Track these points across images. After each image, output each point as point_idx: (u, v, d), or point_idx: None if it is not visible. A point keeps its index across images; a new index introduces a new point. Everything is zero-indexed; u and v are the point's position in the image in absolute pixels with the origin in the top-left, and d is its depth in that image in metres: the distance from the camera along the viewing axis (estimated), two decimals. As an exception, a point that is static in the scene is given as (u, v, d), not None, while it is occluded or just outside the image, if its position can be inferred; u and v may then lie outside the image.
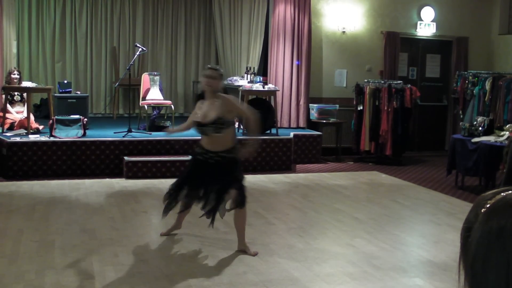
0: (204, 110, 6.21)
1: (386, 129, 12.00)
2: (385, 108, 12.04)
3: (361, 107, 12.32)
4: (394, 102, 12.02)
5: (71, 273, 5.50)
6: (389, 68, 13.37)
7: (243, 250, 6.33)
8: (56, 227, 7.07)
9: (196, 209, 8.11)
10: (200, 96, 6.49)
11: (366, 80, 12.55)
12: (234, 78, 13.15)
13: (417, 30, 13.71)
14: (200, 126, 6.21)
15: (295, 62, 12.59)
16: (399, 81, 12.42)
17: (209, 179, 6.18)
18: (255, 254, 6.23)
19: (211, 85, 6.26)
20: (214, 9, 14.73)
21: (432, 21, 13.73)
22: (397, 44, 13.44)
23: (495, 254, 1.22)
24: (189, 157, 10.42)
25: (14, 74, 11.19)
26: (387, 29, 13.37)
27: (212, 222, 6.21)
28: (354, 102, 12.46)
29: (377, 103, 12.15)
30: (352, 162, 12.46)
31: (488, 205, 1.27)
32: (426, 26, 13.71)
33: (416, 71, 14.12)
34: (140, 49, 11.42)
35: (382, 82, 12.43)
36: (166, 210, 6.51)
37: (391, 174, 11.24)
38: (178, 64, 15.18)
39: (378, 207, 8.58)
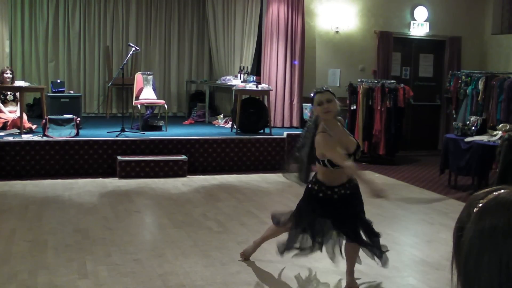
0: (341, 140, 5.21)
1: (379, 129, 12.01)
2: (378, 107, 12.05)
3: (355, 107, 12.33)
4: (387, 102, 12.03)
5: (64, 273, 5.49)
6: (383, 67, 13.39)
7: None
8: (49, 227, 7.05)
9: (189, 207, 8.12)
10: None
11: (359, 80, 12.56)
12: (228, 77, 13.16)
13: (410, 30, 13.73)
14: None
15: (292, 62, 12.62)
16: (392, 81, 12.44)
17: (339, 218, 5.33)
18: None
19: (332, 110, 5.19)
20: (208, 9, 14.72)
21: (425, 20, 13.76)
22: (390, 43, 13.46)
23: (488, 253, 1.22)
24: (182, 157, 10.47)
25: (7, 73, 11.17)
26: (380, 28, 13.39)
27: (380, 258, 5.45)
28: (348, 102, 12.46)
29: (370, 103, 12.16)
30: (345, 162, 12.43)
31: (480, 205, 1.28)
32: (419, 26, 13.74)
33: (409, 70, 14.15)
34: (133, 49, 11.43)
35: (376, 81, 12.44)
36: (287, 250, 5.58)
37: (384, 173, 11.25)
38: (171, 64, 15.17)
39: (371, 206, 8.54)
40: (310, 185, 5.38)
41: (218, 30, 14.42)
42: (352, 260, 5.48)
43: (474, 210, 1.28)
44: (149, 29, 14.99)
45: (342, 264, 5.95)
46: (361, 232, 5.37)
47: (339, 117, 5.42)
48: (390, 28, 13.51)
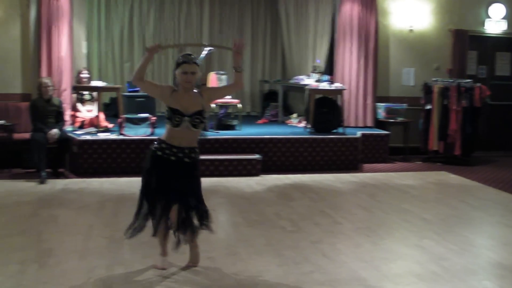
0: (182, 100, 5.77)
1: (455, 129, 11.82)
2: (454, 107, 11.85)
3: (430, 106, 12.15)
4: (463, 101, 11.83)
5: (140, 269, 5.58)
6: (458, 66, 13.17)
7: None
8: (125, 224, 7.11)
9: (263, 206, 8.14)
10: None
11: (434, 79, 12.39)
12: (301, 77, 13.14)
13: (486, 27, 13.45)
14: (180, 115, 5.76)
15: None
16: (468, 80, 12.22)
17: (176, 182, 5.65)
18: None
19: (193, 81, 5.66)
20: (280, 8, 14.74)
21: (503, 18, 13.44)
22: (465, 42, 13.21)
23: None
24: (256, 156, 10.52)
25: (84, 73, 11.46)
26: (455, 26, 13.17)
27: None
28: (422, 101, 12.31)
29: (445, 102, 11.96)
30: (420, 162, 12.31)
31: None
32: (495, 23, 13.44)
33: (485, 69, 13.87)
34: (208, 49, 11.50)
35: (451, 81, 12.23)
36: (135, 232, 5.76)
37: (459, 174, 11.07)
38: (245, 64, 15.21)
39: (447, 207, 8.45)
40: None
41: (291, 30, 14.42)
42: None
43: None
44: (222, 29, 15.09)
45: (415, 266, 5.88)
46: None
47: (201, 85, 5.93)
48: (465, 25, 13.26)
